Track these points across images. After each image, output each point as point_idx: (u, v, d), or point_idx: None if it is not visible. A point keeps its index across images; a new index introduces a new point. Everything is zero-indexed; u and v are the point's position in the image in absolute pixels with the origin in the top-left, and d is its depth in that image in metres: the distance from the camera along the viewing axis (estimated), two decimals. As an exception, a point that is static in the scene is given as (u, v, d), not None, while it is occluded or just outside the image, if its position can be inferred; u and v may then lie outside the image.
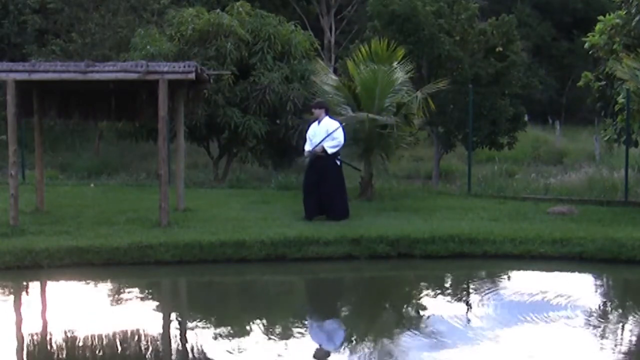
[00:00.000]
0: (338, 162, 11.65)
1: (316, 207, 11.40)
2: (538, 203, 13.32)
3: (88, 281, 8.97)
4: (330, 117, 11.77)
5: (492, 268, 9.71)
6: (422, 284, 9.38)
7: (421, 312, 7.89)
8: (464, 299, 8.60)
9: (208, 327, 7.32)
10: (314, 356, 6.54)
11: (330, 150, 11.43)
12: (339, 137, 11.46)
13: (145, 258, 9.38)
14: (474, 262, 9.81)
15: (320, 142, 11.38)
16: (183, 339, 7.00)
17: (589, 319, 7.52)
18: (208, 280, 9.43)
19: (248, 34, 16.44)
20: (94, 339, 6.78)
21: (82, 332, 6.91)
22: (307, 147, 11.62)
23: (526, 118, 24.63)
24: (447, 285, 9.34)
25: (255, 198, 13.66)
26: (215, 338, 6.98)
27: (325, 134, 11.42)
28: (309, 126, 11.93)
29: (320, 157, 11.46)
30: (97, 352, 6.47)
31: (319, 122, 11.58)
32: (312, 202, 11.43)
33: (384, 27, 21.01)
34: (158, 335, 7.12)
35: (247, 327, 7.31)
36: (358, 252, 9.82)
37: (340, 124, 11.70)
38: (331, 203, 11.40)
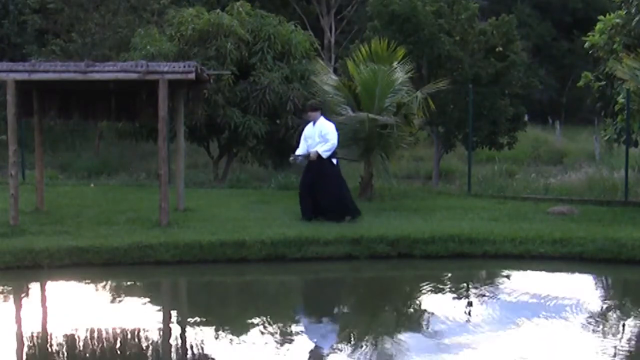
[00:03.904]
0: (335, 161, 11.62)
1: (312, 207, 11.37)
2: (538, 203, 13.32)
3: (88, 281, 8.97)
4: (326, 118, 11.75)
5: (492, 268, 9.71)
6: (422, 284, 9.35)
7: (421, 312, 7.89)
8: (463, 299, 8.59)
9: (208, 327, 7.32)
10: (314, 356, 6.54)
11: (325, 155, 11.38)
12: (332, 139, 11.37)
13: (145, 258, 9.38)
14: (474, 262, 9.81)
15: (314, 146, 11.36)
16: (183, 339, 6.99)
17: (589, 319, 7.52)
18: (208, 280, 9.43)
19: (248, 34, 16.45)
20: (94, 339, 6.78)
21: (82, 332, 6.91)
22: (300, 150, 11.61)
23: (526, 118, 24.63)
24: (447, 285, 9.32)
25: (255, 198, 13.66)
26: (215, 338, 6.98)
27: (319, 136, 11.39)
28: (304, 126, 11.89)
29: (317, 160, 11.42)
30: (97, 352, 6.47)
31: (314, 124, 11.56)
32: (307, 203, 11.40)
33: (384, 27, 21.00)
34: (158, 335, 7.12)
35: (247, 327, 7.30)
36: (358, 252, 9.81)
37: (335, 124, 11.67)
38: (329, 203, 11.35)
